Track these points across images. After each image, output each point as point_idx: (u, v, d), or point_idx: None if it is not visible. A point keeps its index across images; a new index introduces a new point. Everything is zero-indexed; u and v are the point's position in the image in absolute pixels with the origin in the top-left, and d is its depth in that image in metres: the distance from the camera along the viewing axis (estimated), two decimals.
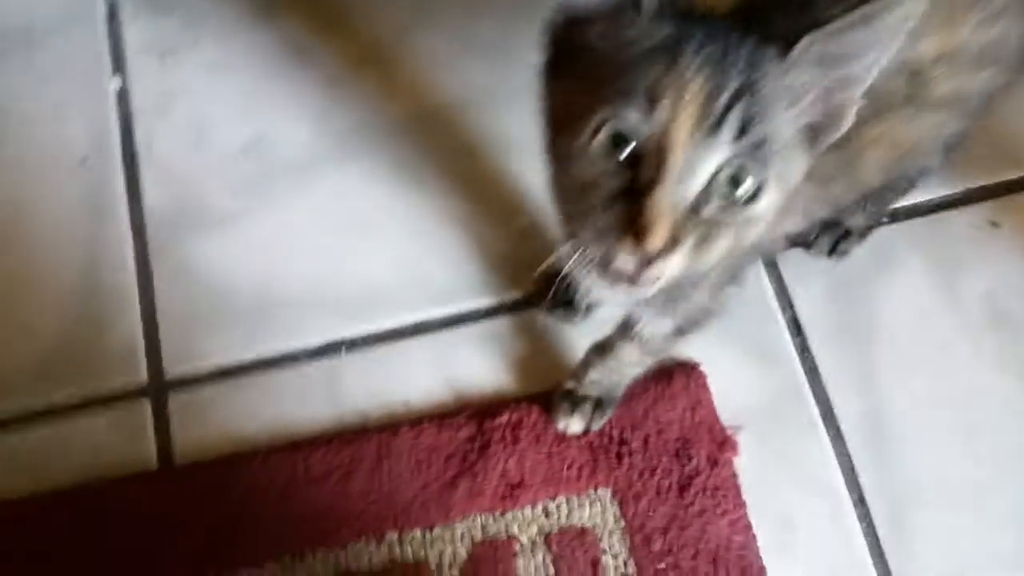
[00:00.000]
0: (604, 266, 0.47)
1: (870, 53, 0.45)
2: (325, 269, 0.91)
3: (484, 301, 0.89)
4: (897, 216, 0.90)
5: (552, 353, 0.87)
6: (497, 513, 0.80)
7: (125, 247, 0.93)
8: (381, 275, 0.91)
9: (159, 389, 0.87)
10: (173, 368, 0.88)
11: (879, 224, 0.89)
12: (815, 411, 0.84)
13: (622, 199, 0.45)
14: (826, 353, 0.85)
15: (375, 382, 0.87)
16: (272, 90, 0.99)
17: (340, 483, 0.81)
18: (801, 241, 0.88)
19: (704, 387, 0.83)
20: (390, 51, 1.00)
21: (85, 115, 1.00)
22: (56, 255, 0.93)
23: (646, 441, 0.81)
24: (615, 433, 0.82)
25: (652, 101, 0.43)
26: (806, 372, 0.85)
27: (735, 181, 0.45)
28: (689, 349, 0.85)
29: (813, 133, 0.48)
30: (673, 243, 0.44)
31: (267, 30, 1.02)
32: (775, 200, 0.47)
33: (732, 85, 0.43)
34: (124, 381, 0.88)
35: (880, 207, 0.86)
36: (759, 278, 0.88)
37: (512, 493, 0.80)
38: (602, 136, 0.44)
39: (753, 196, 0.45)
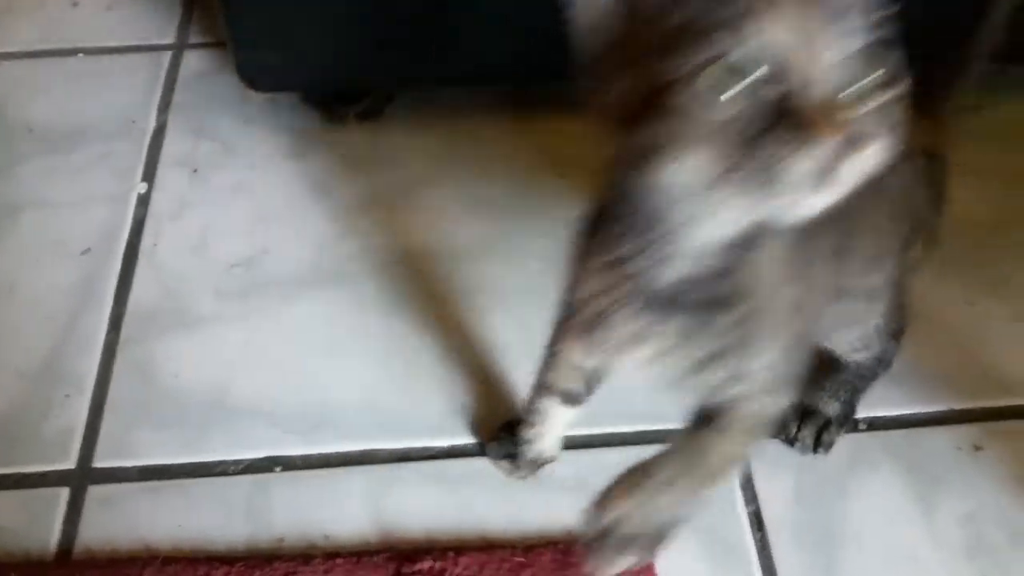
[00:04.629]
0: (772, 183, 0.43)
1: None
2: (285, 385, 0.90)
3: (436, 442, 0.86)
4: (875, 425, 0.86)
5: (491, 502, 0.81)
6: None
7: (97, 336, 0.94)
8: (339, 399, 0.89)
9: (82, 479, 0.84)
10: (102, 461, 0.85)
11: (855, 423, 0.85)
12: None
13: (769, 122, 0.42)
14: (787, 554, 0.77)
15: (301, 507, 0.81)
16: (282, 217, 1.04)
17: None
18: (782, 435, 0.84)
19: (650, 570, 0.75)
20: (401, 196, 1.06)
21: (102, 212, 1.05)
22: (30, 335, 0.94)
23: None
24: None
25: (756, 16, 0.42)
26: (763, 571, 0.77)
27: (864, 71, 0.44)
28: None
29: None
30: (850, 129, 0.42)
31: (293, 165, 1.09)
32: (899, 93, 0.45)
33: None
34: (50, 466, 0.85)
35: (850, 396, 0.83)
36: None
37: None
38: (720, 69, 0.42)
39: (886, 83, 0.44)
